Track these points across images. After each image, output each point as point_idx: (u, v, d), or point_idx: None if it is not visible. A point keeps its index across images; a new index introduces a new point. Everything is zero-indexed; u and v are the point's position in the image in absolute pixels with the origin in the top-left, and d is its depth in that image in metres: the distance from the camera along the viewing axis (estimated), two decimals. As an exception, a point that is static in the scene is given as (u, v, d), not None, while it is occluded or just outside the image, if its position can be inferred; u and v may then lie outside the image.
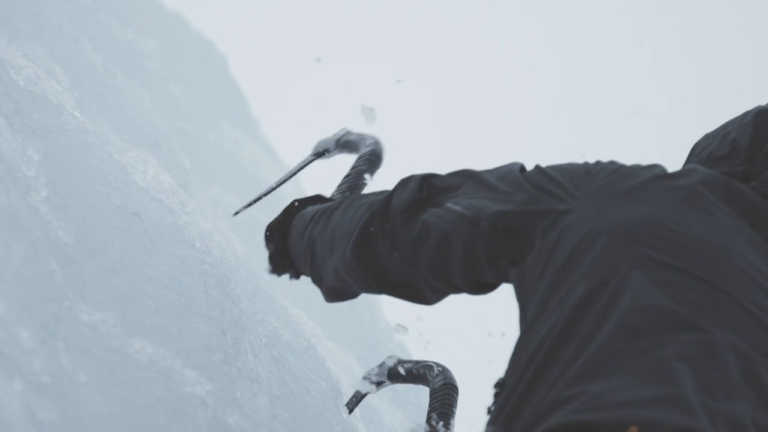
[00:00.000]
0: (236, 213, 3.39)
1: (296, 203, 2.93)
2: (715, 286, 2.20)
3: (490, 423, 2.22)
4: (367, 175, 3.15)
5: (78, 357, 2.31)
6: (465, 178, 2.54)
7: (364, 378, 3.23)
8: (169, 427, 2.35)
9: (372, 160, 3.19)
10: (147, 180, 3.05)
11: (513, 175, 2.46)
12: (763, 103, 2.56)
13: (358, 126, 3.27)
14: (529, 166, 2.48)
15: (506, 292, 2.49)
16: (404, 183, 2.61)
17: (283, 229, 2.92)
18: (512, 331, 2.38)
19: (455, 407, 2.97)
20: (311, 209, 2.86)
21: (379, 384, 3.21)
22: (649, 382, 2.07)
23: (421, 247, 2.51)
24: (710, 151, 2.55)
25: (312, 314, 5.65)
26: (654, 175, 2.36)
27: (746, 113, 2.56)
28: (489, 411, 2.27)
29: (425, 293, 2.60)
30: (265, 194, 3.35)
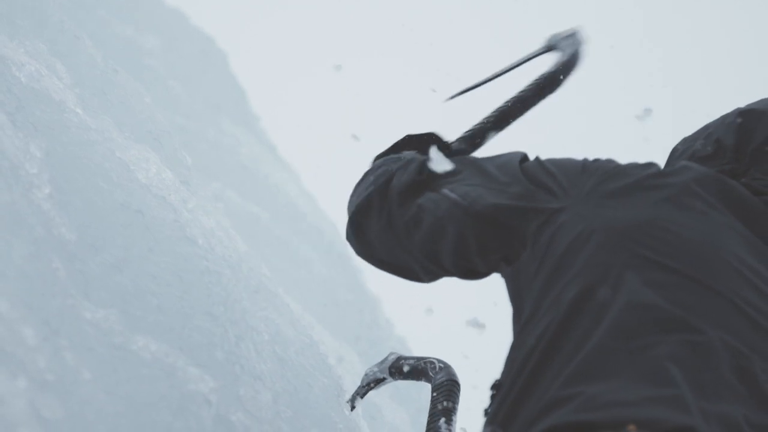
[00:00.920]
0: (452, 97, 3.16)
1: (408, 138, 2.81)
2: (707, 286, 2.21)
3: (487, 423, 2.23)
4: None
5: (81, 354, 2.31)
6: (465, 164, 2.55)
7: (366, 374, 3.23)
8: (173, 424, 2.35)
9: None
10: (149, 177, 3.04)
11: (512, 165, 2.47)
12: (743, 105, 2.60)
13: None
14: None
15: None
16: (407, 164, 2.61)
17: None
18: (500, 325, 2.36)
19: (457, 403, 2.97)
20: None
21: (380, 381, 3.21)
22: (645, 382, 2.08)
23: (415, 230, 2.52)
24: (693, 152, 2.57)
25: (313, 311, 5.66)
26: (648, 174, 2.37)
27: (726, 115, 2.59)
28: (486, 412, 2.28)
29: (419, 274, 2.62)
30: (486, 81, 3.10)
